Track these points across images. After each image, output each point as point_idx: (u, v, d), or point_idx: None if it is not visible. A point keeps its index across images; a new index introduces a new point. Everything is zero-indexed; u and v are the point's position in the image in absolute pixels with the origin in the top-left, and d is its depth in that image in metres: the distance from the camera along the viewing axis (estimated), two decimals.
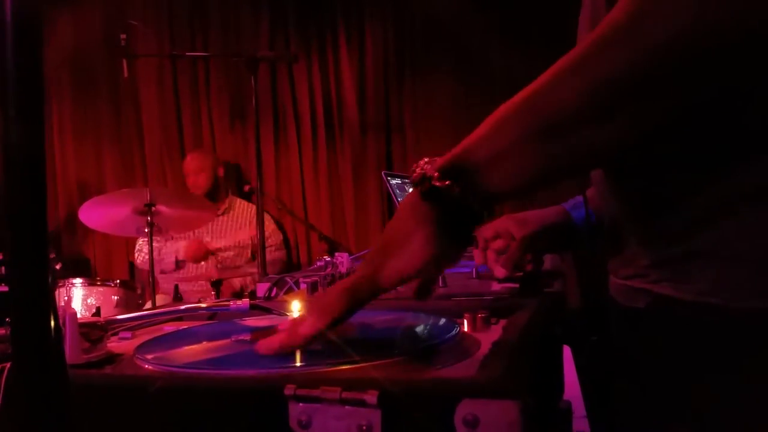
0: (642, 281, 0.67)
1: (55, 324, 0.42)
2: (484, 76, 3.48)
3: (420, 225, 0.64)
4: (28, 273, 0.42)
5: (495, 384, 0.51)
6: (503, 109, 0.60)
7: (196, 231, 3.48)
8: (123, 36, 2.78)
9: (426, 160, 0.64)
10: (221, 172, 3.69)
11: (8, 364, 0.66)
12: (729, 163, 0.57)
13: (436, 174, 0.61)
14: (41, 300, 0.42)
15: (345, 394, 0.50)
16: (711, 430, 0.60)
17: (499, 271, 1.10)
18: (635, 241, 0.68)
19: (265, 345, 0.67)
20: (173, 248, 3.44)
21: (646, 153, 0.63)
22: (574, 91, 0.54)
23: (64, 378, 0.43)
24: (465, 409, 0.48)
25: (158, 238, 3.24)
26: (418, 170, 0.64)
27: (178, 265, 3.42)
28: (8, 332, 0.71)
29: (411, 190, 0.66)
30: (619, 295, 0.74)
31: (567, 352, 1.70)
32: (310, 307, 0.71)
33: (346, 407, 0.51)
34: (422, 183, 0.63)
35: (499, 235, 1.12)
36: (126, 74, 2.81)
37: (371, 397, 0.50)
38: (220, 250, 3.47)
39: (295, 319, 0.69)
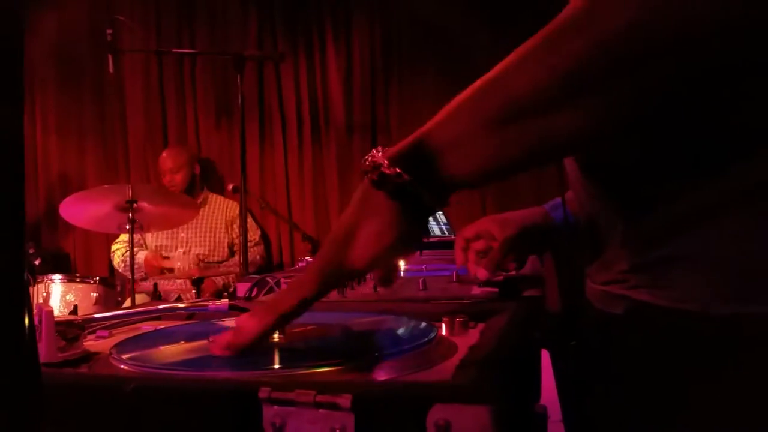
0: (620, 287, 0.67)
1: (29, 322, 0.41)
2: (469, 76, 3.44)
3: (372, 214, 0.63)
4: (4, 270, 0.40)
5: (467, 389, 0.51)
6: (460, 96, 0.59)
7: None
8: (109, 31, 2.76)
9: (379, 148, 0.63)
10: (197, 169, 3.67)
11: None
12: (706, 169, 0.57)
13: (385, 162, 0.60)
14: (15, 296, 0.41)
15: (319, 398, 0.51)
16: None
17: (481, 273, 1.11)
18: (613, 246, 0.69)
19: (216, 344, 0.67)
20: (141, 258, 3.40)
21: (623, 157, 0.64)
22: (528, 80, 0.54)
23: (36, 378, 0.42)
24: (437, 413, 0.49)
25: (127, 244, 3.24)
26: (369, 158, 0.62)
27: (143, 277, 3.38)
28: None
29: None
30: (596, 300, 0.74)
31: (546, 356, 1.71)
32: (259, 305, 0.71)
33: (320, 411, 0.51)
34: (372, 171, 0.61)
35: (480, 236, 1.12)
36: (111, 70, 2.79)
37: (345, 400, 0.50)
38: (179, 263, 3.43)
39: (242, 317, 0.69)
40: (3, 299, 0.41)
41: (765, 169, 0.55)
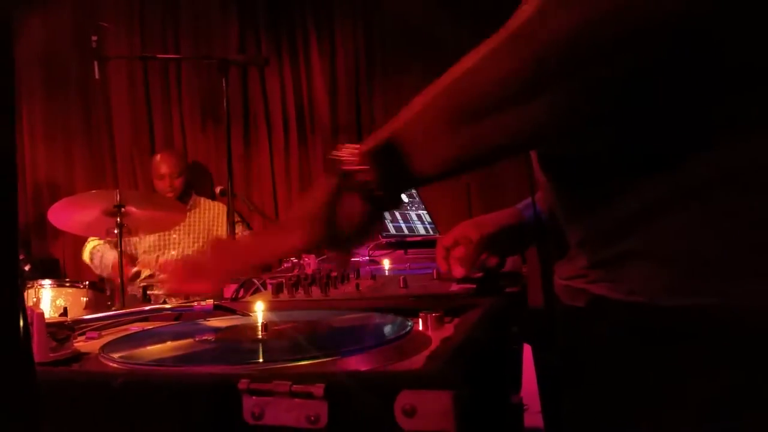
0: (581, 281, 0.71)
1: (24, 324, 0.43)
2: None
3: (325, 206, 0.70)
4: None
5: (431, 376, 0.55)
6: (425, 95, 0.64)
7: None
8: (94, 38, 2.77)
9: (346, 145, 0.68)
10: (188, 173, 3.71)
11: None
12: (656, 167, 0.60)
13: (352, 159, 0.66)
14: (12, 299, 0.43)
15: (294, 387, 0.54)
16: (645, 426, 0.63)
17: (458, 271, 1.15)
18: (574, 243, 0.72)
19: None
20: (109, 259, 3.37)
21: (579, 157, 0.67)
22: (490, 78, 0.59)
23: (32, 377, 0.45)
24: (404, 399, 0.53)
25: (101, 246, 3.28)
26: (336, 154, 0.68)
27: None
28: None
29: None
30: (562, 295, 0.78)
31: (528, 350, 1.75)
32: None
33: (295, 400, 0.55)
34: (335, 167, 0.67)
35: (458, 242, 1.16)
36: (97, 76, 2.81)
37: (318, 389, 0.54)
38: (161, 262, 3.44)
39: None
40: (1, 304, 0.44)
41: (710, 167, 0.58)
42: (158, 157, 3.65)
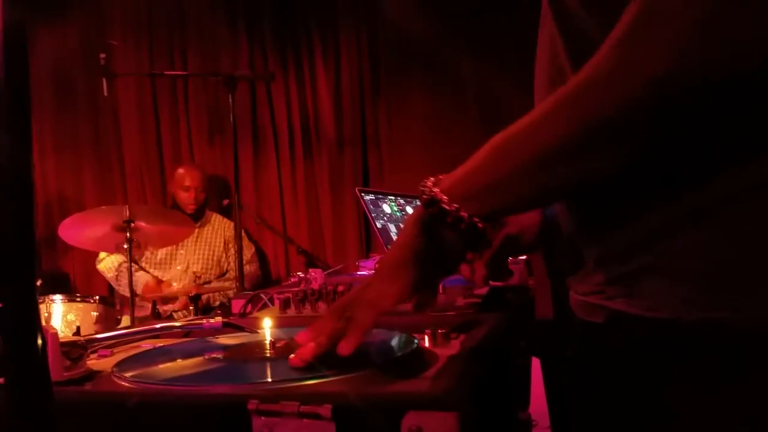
0: (598, 297, 0.70)
1: (42, 342, 0.45)
2: (457, 90, 3.57)
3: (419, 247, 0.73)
4: (20, 292, 0.44)
5: (437, 397, 0.56)
6: (500, 139, 0.68)
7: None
8: (102, 55, 2.81)
9: (432, 180, 0.72)
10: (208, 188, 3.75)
11: None
12: (677, 182, 0.61)
13: (445, 198, 0.70)
14: (31, 319, 0.44)
15: (302, 408, 0.56)
16: None
17: (479, 272, 1.13)
18: (591, 259, 0.72)
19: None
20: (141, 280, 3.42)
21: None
22: (567, 126, 0.61)
23: (50, 397, 0.46)
24: (410, 420, 0.54)
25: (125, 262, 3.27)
26: (427, 191, 0.71)
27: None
28: None
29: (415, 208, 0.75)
30: (578, 310, 0.77)
31: (537, 364, 1.74)
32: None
33: (304, 420, 0.56)
34: (432, 205, 0.71)
35: None
36: (106, 93, 2.84)
37: (325, 410, 0.55)
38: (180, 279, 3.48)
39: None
40: (19, 322, 0.44)
41: (726, 184, 0.59)
42: (181, 169, 3.69)
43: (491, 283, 1.22)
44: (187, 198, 3.61)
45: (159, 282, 3.45)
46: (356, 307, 0.74)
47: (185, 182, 3.62)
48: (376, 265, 1.76)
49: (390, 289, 0.74)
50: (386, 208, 2.21)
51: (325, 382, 0.66)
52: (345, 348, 0.71)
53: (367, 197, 2.15)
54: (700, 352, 0.60)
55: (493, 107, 3.45)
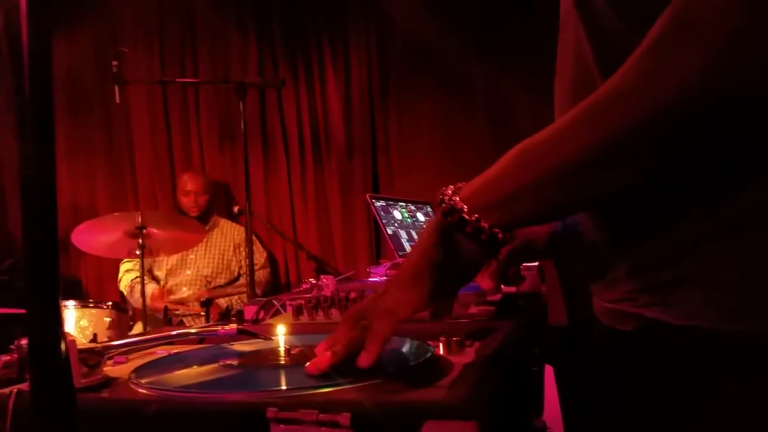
0: (630, 305, 0.69)
1: (65, 348, 0.46)
2: (466, 96, 3.58)
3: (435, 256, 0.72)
4: (44, 300, 0.45)
5: (456, 406, 0.56)
6: (522, 149, 0.67)
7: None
8: (115, 63, 2.84)
9: (451, 188, 0.72)
10: (212, 193, 3.78)
11: (15, 389, 0.71)
12: (712, 193, 0.60)
13: (465, 207, 0.69)
14: (56, 325, 0.45)
15: (321, 416, 0.56)
16: None
17: (486, 283, 1.13)
18: (621, 268, 0.70)
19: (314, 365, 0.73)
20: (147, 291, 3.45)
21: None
22: (591, 138, 0.60)
23: (73, 402, 0.47)
24: (428, 429, 0.54)
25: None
26: (446, 200, 0.70)
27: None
28: (14, 358, 0.77)
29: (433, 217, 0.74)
30: (604, 317, 0.75)
31: (550, 371, 1.73)
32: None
33: (322, 428, 0.56)
34: (452, 214, 0.70)
35: None
36: (118, 100, 2.87)
37: (344, 419, 0.55)
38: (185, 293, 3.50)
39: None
40: (44, 329, 0.45)
41: (757, 197, 0.58)
42: (185, 176, 3.77)
43: (503, 288, 1.23)
44: (187, 202, 3.66)
45: (162, 291, 3.47)
46: (373, 316, 0.73)
47: (186, 187, 3.68)
48: (388, 272, 1.77)
49: (407, 298, 0.73)
50: (397, 214, 2.21)
51: (341, 389, 0.66)
52: (365, 360, 0.71)
53: (378, 203, 2.16)
54: (740, 363, 0.60)
55: (503, 112, 3.46)
